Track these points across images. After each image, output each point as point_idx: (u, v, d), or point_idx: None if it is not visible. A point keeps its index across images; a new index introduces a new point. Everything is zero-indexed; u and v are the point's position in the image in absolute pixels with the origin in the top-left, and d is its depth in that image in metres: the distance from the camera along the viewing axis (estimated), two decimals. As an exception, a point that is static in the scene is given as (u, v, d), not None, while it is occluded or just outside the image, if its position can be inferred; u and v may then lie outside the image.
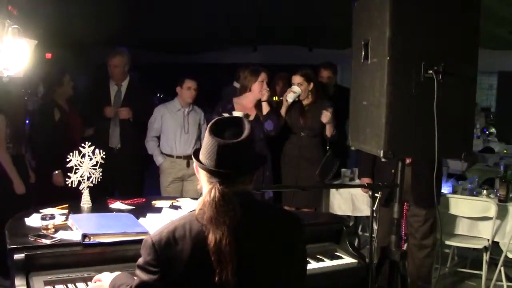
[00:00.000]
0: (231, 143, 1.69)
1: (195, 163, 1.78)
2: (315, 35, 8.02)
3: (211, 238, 1.61)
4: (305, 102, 4.82)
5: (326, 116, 4.63)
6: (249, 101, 4.62)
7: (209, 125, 1.75)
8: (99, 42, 7.64)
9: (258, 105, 4.61)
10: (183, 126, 5.01)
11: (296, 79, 4.76)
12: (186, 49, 9.52)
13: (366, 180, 4.59)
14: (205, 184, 1.77)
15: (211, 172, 1.72)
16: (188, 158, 4.98)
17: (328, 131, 4.70)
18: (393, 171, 3.77)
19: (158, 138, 5.12)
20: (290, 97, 4.68)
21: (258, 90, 4.53)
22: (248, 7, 6.66)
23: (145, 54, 9.00)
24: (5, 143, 4.45)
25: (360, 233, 5.92)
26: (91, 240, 2.48)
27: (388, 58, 2.51)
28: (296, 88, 4.69)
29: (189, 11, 6.77)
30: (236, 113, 4.36)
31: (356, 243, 5.34)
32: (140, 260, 1.68)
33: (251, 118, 4.54)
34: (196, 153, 1.80)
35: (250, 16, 7.07)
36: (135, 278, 1.73)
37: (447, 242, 4.71)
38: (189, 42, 8.85)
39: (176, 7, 6.61)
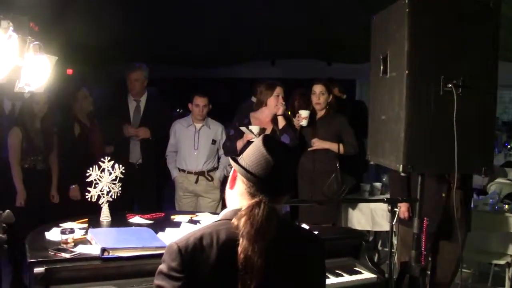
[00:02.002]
0: (286, 162, 1.74)
1: (238, 170, 1.74)
2: (333, 49, 8.02)
3: (243, 248, 1.59)
4: (318, 115, 4.82)
5: (316, 145, 4.72)
6: (266, 115, 4.61)
7: (262, 139, 1.74)
8: (118, 58, 7.72)
9: (274, 119, 4.60)
10: (193, 142, 5.04)
11: (318, 87, 4.77)
12: (205, 63, 9.57)
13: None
14: (242, 195, 1.73)
15: (265, 186, 1.70)
16: (197, 174, 5.03)
17: (336, 150, 4.71)
18: (443, 194, 3.63)
19: (177, 152, 5.17)
20: (304, 123, 4.69)
21: (273, 104, 4.52)
22: (266, 22, 6.69)
23: (164, 68, 9.04)
24: (19, 156, 4.53)
25: (380, 248, 5.86)
26: (110, 254, 2.49)
27: (407, 72, 2.50)
28: (304, 113, 4.69)
29: (207, 25, 6.82)
30: (252, 128, 4.37)
31: (376, 258, 5.30)
32: (163, 267, 1.61)
33: (268, 132, 4.53)
34: (235, 161, 1.77)
35: (269, 30, 7.09)
36: None
37: (468, 258, 4.62)
38: (208, 57, 8.90)
39: (195, 21, 6.66)
